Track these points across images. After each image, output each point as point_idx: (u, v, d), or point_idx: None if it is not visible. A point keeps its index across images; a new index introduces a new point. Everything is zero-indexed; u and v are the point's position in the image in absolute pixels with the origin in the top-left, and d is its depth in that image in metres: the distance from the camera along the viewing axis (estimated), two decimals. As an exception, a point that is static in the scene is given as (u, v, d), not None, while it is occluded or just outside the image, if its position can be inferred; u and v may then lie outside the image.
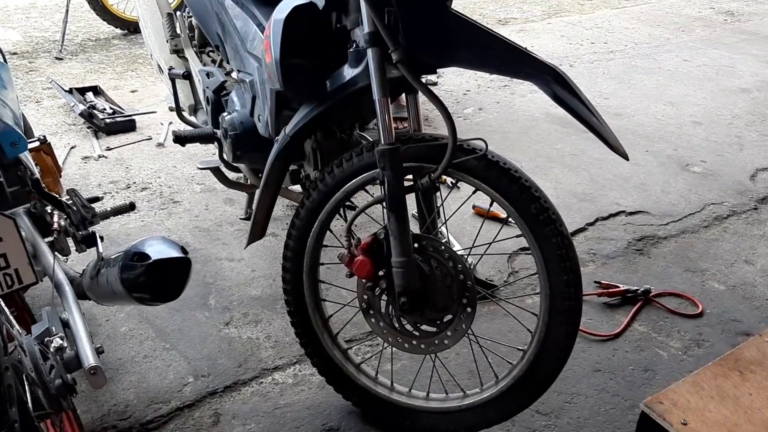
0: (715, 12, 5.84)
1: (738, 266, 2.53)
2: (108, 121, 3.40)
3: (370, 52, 1.53)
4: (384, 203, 1.58)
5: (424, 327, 1.67)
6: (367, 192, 1.76)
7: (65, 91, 3.71)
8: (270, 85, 1.78)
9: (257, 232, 1.90)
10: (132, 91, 3.98)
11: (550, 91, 1.50)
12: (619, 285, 2.37)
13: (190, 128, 2.36)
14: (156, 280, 1.36)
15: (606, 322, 2.24)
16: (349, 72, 1.64)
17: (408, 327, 1.68)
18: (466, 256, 1.73)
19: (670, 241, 2.68)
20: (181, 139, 2.29)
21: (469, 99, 4.00)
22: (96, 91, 3.79)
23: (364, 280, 1.67)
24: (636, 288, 2.35)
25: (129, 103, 3.78)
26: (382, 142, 1.54)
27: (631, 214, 2.85)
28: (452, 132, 1.51)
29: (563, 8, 5.95)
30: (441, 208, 1.83)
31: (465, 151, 1.58)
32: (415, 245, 1.62)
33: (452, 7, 1.59)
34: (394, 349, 1.74)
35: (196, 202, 2.84)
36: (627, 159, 1.50)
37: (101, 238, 1.68)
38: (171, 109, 2.60)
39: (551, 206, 1.58)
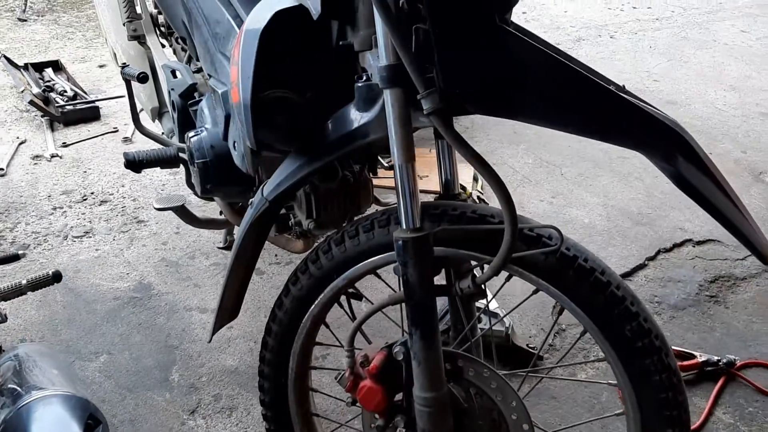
0: (768, -30, 5.16)
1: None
2: (66, 109, 2.84)
3: (388, 94, 0.99)
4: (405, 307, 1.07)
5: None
6: (378, 276, 1.25)
7: (19, 67, 3.14)
8: (242, 128, 1.24)
9: (225, 316, 1.38)
10: (100, 66, 3.41)
11: (671, 169, 0.98)
12: (695, 354, 1.86)
13: (146, 148, 1.82)
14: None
15: (682, 408, 1.74)
16: (356, 116, 1.09)
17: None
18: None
19: (751, 283, 2.15)
20: (134, 165, 1.75)
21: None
22: (56, 66, 3.22)
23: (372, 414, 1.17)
24: (717, 359, 1.84)
25: (95, 82, 3.21)
26: (404, 227, 1.02)
27: (699, 243, 2.32)
28: (511, 215, 0.98)
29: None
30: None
31: (527, 240, 1.06)
32: (447, 366, 1.12)
33: (510, 20, 1.04)
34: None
35: (165, 222, 2.31)
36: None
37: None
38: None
39: (654, 326, 1.07)
